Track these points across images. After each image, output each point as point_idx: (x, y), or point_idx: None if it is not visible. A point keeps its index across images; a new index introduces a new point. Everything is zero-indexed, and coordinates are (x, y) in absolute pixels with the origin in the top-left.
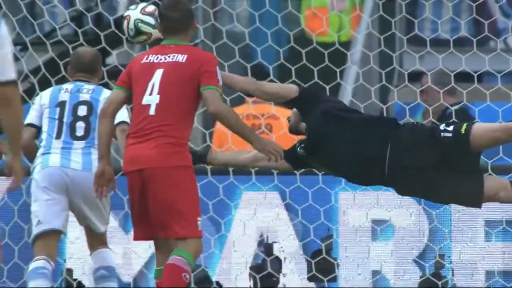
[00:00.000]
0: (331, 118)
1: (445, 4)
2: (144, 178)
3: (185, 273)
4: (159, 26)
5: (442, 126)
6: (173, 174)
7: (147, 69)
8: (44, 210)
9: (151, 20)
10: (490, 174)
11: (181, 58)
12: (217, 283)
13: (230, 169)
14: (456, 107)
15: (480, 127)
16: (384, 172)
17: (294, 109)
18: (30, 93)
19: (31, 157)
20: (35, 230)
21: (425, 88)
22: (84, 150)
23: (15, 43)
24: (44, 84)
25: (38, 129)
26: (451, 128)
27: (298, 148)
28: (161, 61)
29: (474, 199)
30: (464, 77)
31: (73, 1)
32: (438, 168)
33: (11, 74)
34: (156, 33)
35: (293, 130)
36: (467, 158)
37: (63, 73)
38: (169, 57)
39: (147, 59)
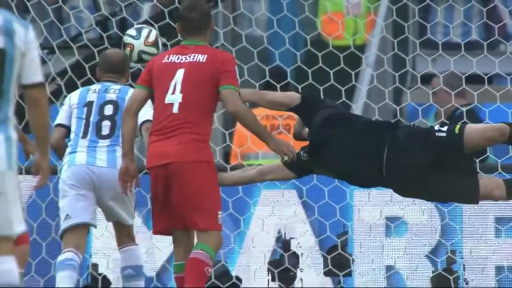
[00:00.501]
0: (332, 122)
1: (457, 9)
2: (169, 172)
3: (208, 267)
4: (179, 26)
5: (436, 127)
6: (197, 168)
7: (169, 69)
8: (71, 205)
9: (133, 32)
10: (499, 173)
11: (201, 58)
12: (237, 277)
13: None
14: (465, 108)
15: (473, 127)
16: (382, 173)
17: (297, 118)
18: (57, 94)
19: (61, 156)
20: (63, 225)
21: (435, 90)
22: (109, 148)
23: (43, 47)
24: (71, 87)
25: (67, 129)
26: (445, 128)
27: (302, 152)
28: (181, 61)
29: (472, 197)
30: (475, 79)
31: (98, 7)
32: (434, 168)
33: (39, 77)
34: (137, 45)
35: (297, 136)
36: (461, 158)
37: (89, 75)
38: (189, 57)
39: (168, 59)
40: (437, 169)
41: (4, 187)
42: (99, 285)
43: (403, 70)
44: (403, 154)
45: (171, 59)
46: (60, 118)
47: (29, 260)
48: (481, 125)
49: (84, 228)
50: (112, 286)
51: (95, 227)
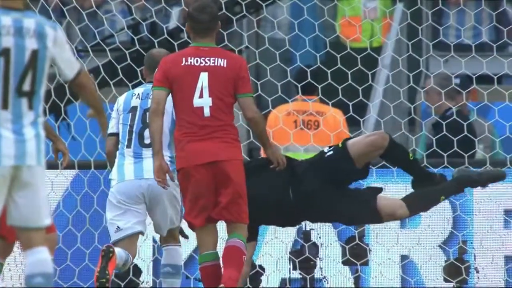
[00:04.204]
0: (251, 179)
1: (468, 12)
2: (218, 169)
3: (244, 256)
4: (188, 27)
5: (326, 149)
6: (239, 165)
7: (190, 72)
8: (122, 219)
9: None
10: (508, 168)
11: (222, 62)
12: (260, 266)
13: None
14: (454, 109)
15: (355, 138)
16: (294, 205)
17: None
18: None
19: (112, 164)
20: (115, 236)
21: (427, 89)
22: (153, 157)
23: (78, 50)
24: (103, 84)
25: (118, 135)
26: (332, 147)
27: None
28: (202, 64)
29: (373, 218)
30: (485, 80)
31: (131, 11)
32: (335, 190)
33: (76, 69)
34: None
35: None
36: (353, 172)
37: (121, 75)
38: (209, 60)
39: (186, 61)
40: (338, 190)
41: (34, 180)
42: (131, 273)
43: (417, 71)
44: (304, 181)
45: (190, 62)
46: (111, 127)
47: (65, 250)
48: (362, 135)
49: (134, 237)
50: (142, 274)
51: (143, 234)
